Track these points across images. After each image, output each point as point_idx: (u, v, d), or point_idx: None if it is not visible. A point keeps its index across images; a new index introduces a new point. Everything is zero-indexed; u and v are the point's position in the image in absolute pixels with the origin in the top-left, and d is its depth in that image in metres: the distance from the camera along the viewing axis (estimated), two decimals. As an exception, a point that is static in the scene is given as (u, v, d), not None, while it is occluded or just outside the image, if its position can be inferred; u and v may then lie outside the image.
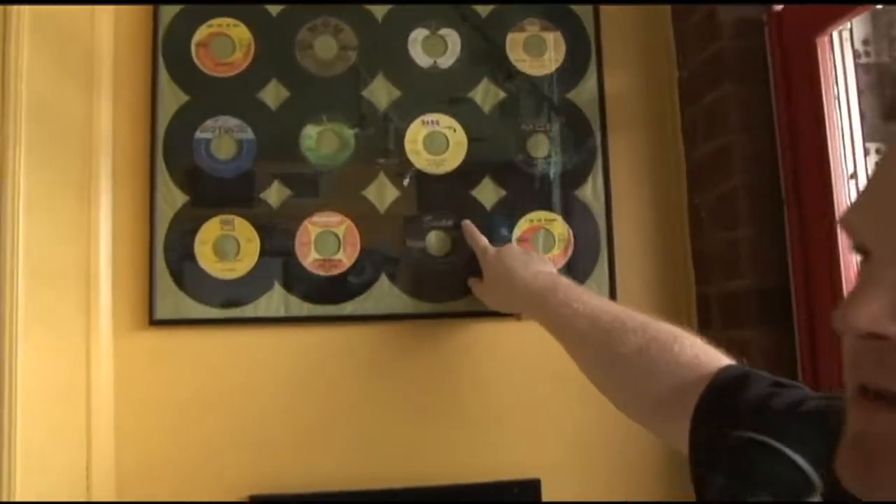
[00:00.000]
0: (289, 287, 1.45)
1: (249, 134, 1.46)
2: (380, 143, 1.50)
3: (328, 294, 1.46)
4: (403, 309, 1.47)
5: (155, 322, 1.40)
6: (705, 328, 1.48)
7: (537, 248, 1.50)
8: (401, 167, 1.50)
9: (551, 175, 1.55)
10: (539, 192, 1.54)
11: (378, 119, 1.50)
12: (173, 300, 1.41)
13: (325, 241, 1.48)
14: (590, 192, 1.57)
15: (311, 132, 1.48)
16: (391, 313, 1.46)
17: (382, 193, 1.50)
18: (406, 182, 1.49)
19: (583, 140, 1.56)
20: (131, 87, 1.44)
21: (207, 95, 1.45)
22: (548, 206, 1.54)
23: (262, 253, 1.44)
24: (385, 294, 1.47)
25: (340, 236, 1.47)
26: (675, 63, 1.56)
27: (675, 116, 1.57)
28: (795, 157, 1.35)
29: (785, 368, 1.30)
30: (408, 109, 1.50)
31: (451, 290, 1.49)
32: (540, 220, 1.53)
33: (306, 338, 1.44)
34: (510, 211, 1.51)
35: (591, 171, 1.56)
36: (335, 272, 1.47)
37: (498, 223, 1.51)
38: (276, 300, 1.45)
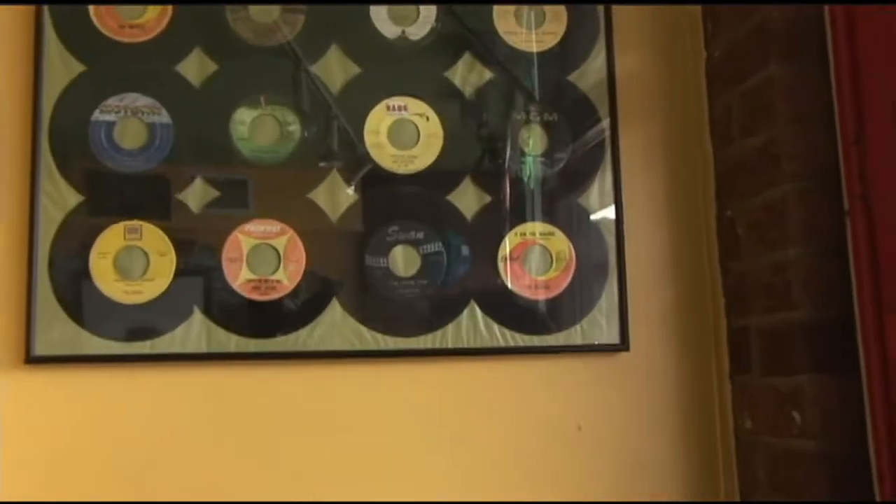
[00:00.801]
0: (213, 315, 1.25)
1: (165, 117, 1.27)
2: (332, 134, 1.31)
3: (264, 325, 1.27)
4: (360, 344, 1.27)
5: (34, 359, 1.20)
6: (741, 372, 1.31)
7: (529, 269, 1.33)
8: (359, 165, 1.32)
9: (549, 177, 1.37)
10: (533, 198, 1.36)
11: (330, 103, 1.31)
12: (60, 331, 1.21)
13: (261, 257, 1.28)
14: (596, 198, 1.38)
15: (243, 117, 1.29)
16: (344, 350, 1.27)
17: (335, 197, 1.31)
18: (358, 185, 1.31)
19: (588, 133, 1.38)
20: (8, 53, 1.25)
21: (109, 66, 1.27)
22: (544, 217, 1.36)
23: (179, 271, 1.25)
24: (336, 325, 1.27)
25: (280, 251, 1.28)
26: (702, 39, 1.40)
27: (703, 105, 1.40)
28: (863, 156, 1.16)
29: (849, 429, 1.13)
30: (368, 91, 1.32)
31: (420, 320, 1.30)
32: (534, 234, 1.35)
33: (234, 380, 1.25)
34: (497, 222, 1.34)
35: (597, 172, 1.38)
36: (273, 296, 1.27)
37: (479, 238, 1.32)
38: (195, 332, 1.24)
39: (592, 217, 1.38)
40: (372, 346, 1.28)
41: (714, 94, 1.40)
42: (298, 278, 1.28)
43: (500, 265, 1.35)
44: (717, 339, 1.38)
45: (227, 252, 1.27)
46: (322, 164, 1.29)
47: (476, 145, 1.36)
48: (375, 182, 1.32)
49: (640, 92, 1.42)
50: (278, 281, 1.28)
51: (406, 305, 1.30)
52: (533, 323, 1.33)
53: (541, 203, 1.37)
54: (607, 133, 1.38)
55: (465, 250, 1.31)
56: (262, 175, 1.30)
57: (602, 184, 1.39)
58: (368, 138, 1.33)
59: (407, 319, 1.31)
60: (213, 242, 1.28)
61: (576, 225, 1.38)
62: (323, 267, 1.30)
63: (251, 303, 1.27)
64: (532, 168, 1.37)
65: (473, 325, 1.32)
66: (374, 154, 1.34)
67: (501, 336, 1.33)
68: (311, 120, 1.31)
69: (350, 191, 1.30)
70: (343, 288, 1.30)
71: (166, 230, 1.26)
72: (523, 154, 1.37)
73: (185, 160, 1.28)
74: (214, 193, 1.28)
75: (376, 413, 1.29)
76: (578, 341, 1.34)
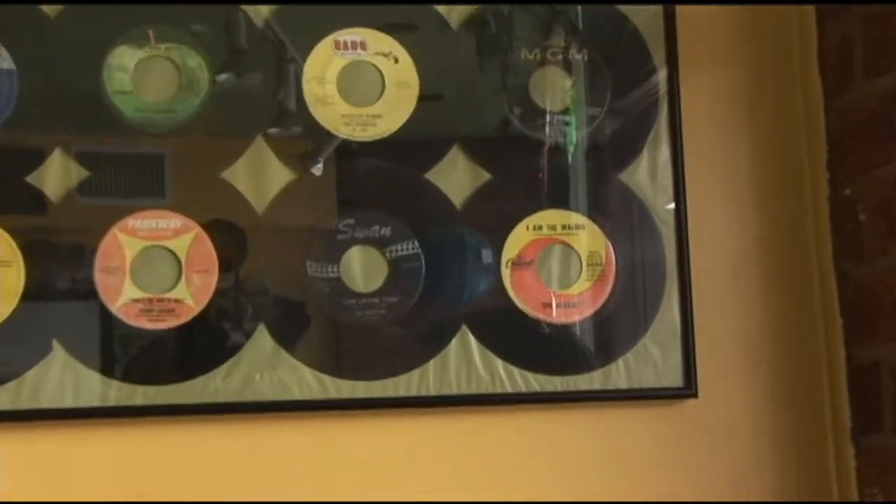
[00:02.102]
0: (82, 352, 1.06)
1: (5, 61, 1.09)
2: (288, 86, 1.14)
3: (158, 365, 1.10)
4: (300, 392, 1.09)
5: None
6: (869, 430, 1.18)
7: (547, 278, 1.15)
8: (297, 129, 1.14)
9: (575, 145, 1.20)
10: (552, 175, 1.19)
11: (254, 37, 1.14)
12: None
13: (153, 267, 1.09)
14: (646, 175, 1.20)
15: (123, 61, 1.11)
16: (276, 401, 1.09)
17: (262, 178, 1.13)
18: (310, 159, 1.13)
19: (635, 82, 1.23)
20: None
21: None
22: (567, 202, 1.19)
23: (30, 289, 1.06)
24: (265, 365, 1.09)
25: (181, 257, 1.09)
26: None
27: (809, 39, 1.27)
28: None
29: None
30: (309, 21, 1.14)
31: (388, 355, 1.13)
32: (553, 228, 1.17)
33: (114, 445, 1.08)
34: (498, 210, 1.18)
35: (647, 137, 1.20)
36: (171, 324, 1.08)
37: (472, 235, 1.16)
38: (55, 377, 1.06)
39: (642, 202, 1.20)
40: (317, 395, 1.09)
41: (825, 20, 1.25)
42: (208, 297, 1.09)
43: (504, 273, 1.15)
44: (833, 381, 1.24)
45: (102, 259, 1.08)
46: (273, 132, 1.12)
47: (468, 101, 1.19)
48: (308, 157, 1.13)
49: (712, 25, 1.27)
50: (178, 301, 1.09)
51: (367, 333, 1.13)
52: (553, 357, 1.15)
53: (564, 183, 1.19)
54: (663, 82, 1.21)
55: (486, 255, 1.14)
56: (153, 146, 1.13)
57: (654, 154, 1.20)
58: (308, 90, 1.12)
59: (369, 354, 1.15)
60: (82, 246, 1.09)
61: (617, 214, 1.20)
62: (245, 279, 1.12)
63: (138, 333, 1.09)
64: (551, 132, 1.19)
65: (466, 360, 1.12)
66: (317, 113, 1.12)
67: (506, 376, 1.13)
68: (226, 63, 1.11)
69: (316, 170, 1.12)
70: (275, 309, 1.12)
71: (10, 230, 1.07)
72: (538, 112, 1.18)
73: (36, 124, 1.10)
74: (82, 173, 1.08)
75: (323, 491, 1.10)
76: (621, 384, 1.14)
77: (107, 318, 1.07)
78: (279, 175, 1.12)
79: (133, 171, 1.11)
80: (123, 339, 1.09)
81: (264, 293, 1.11)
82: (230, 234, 1.11)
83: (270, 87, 1.12)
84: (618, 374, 1.15)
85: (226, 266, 1.10)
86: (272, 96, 1.12)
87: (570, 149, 1.19)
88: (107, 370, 1.06)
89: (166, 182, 1.11)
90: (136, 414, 1.06)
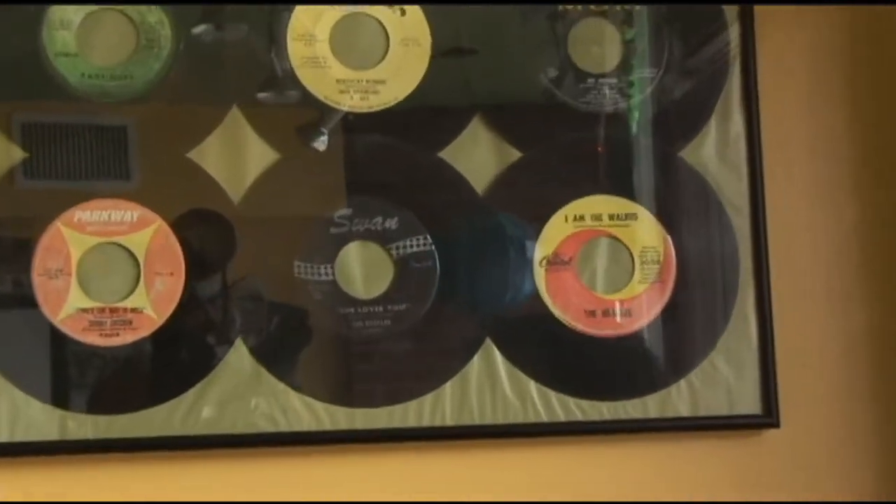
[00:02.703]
0: (18, 374, 0.95)
1: None
2: (242, 38, 1.02)
3: (112, 390, 0.99)
4: (286, 422, 0.98)
5: None
6: None
7: (592, 280, 1.04)
8: (294, 94, 1.02)
9: (630, 115, 1.09)
10: (596, 153, 1.08)
11: None
12: None
13: (104, 269, 0.97)
14: (712, 152, 1.08)
15: (66, 15, 0.99)
16: (258, 433, 0.97)
17: (238, 159, 1.02)
18: (313, 135, 1.02)
19: (700, 40, 1.12)
20: None
21: None
22: (616, 185, 1.07)
23: None
24: (243, 388, 0.98)
25: (139, 256, 0.98)
26: None
27: None
28: None
29: None
30: None
31: (395, 376, 1.02)
32: (597, 218, 1.06)
33: (59, 487, 0.97)
34: (530, 197, 1.07)
35: (714, 106, 1.08)
36: (127, 339, 0.97)
37: (505, 225, 1.05)
38: None
39: (708, 185, 1.10)
40: (308, 425, 0.99)
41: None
42: (173, 305, 0.99)
43: (538, 273, 1.04)
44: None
45: (42, 259, 0.98)
46: (263, 96, 1.03)
47: (492, 61, 1.08)
48: (310, 129, 1.05)
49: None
50: (136, 310, 0.99)
51: (368, 349, 1.03)
52: (598, 378, 1.05)
53: (613, 163, 1.09)
54: (735, 38, 1.11)
55: (529, 248, 1.04)
56: (105, 118, 1.03)
57: (724, 127, 1.10)
58: (295, 51, 1.02)
59: (370, 375, 1.05)
60: (16, 242, 1.01)
61: (677, 200, 1.10)
62: (218, 284, 1.02)
63: (87, 351, 0.99)
64: (597, 100, 1.08)
65: (491, 382, 1.02)
66: (304, 78, 1.02)
67: (541, 402, 1.03)
68: (217, 13, 1.02)
69: (319, 144, 1.03)
70: (255, 321, 1.02)
71: (-77, 220, 1.04)
72: (580, 76, 1.07)
73: (-40, 95, 1.05)
74: (15, 153, 0.99)
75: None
76: (684, 411, 1.04)
77: (48, 331, 0.96)
78: (259, 154, 1.02)
79: (78, 150, 1.00)
80: (68, 359, 0.99)
81: (242, 300, 1.01)
82: (199, 229, 1.00)
83: (261, 42, 1.02)
84: (680, 399, 1.04)
85: (194, 267, 0.99)
86: (264, 54, 1.02)
87: (620, 120, 1.08)
88: (49, 397, 0.96)
89: (131, 160, 1.00)
90: (84, 450, 0.96)
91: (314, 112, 1.04)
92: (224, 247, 1.02)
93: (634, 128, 1.08)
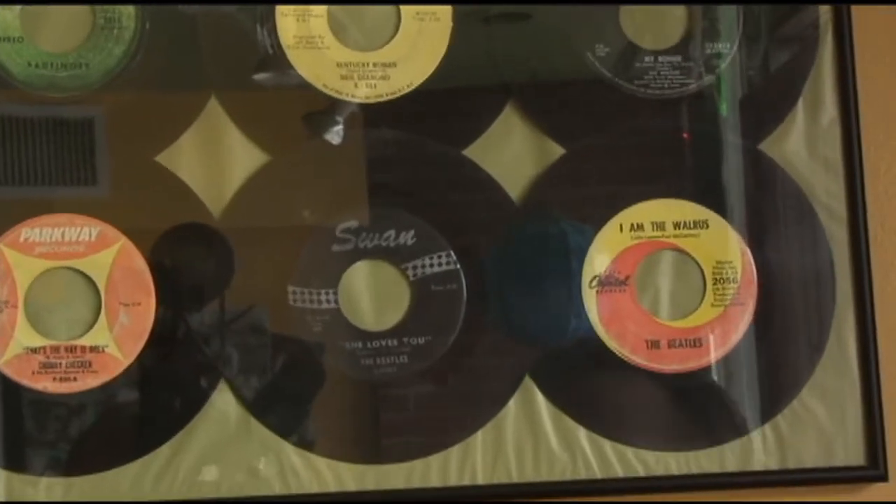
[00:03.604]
0: None
1: None
2: (210, 20, 0.90)
3: (66, 446, 0.87)
4: (279, 482, 0.87)
5: None
6: None
7: (653, 304, 0.92)
8: (295, 73, 0.89)
9: (694, 102, 0.96)
10: (659, 148, 0.95)
11: None
12: None
13: (57, 299, 0.87)
14: (800, 144, 0.94)
15: None
16: (242, 497, 0.86)
17: (215, 161, 0.90)
18: (317, 127, 0.90)
19: (784, 11, 0.99)
20: None
21: None
22: (681, 187, 0.95)
23: None
24: (227, 439, 0.87)
25: (99, 283, 0.86)
26: None
27: None
28: None
29: None
30: None
31: (415, 425, 0.91)
32: (660, 227, 0.94)
33: None
34: (576, 202, 0.94)
35: (801, 89, 0.95)
36: (88, 384, 0.86)
37: (546, 238, 0.94)
38: None
39: (795, 184, 0.97)
40: (307, 485, 0.87)
41: None
42: (141, 342, 0.87)
43: (588, 296, 0.92)
44: None
45: None
46: (260, 77, 0.91)
47: (529, 33, 0.95)
48: (321, 118, 0.92)
49: None
50: (97, 349, 0.87)
51: (380, 393, 0.91)
52: (663, 424, 0.92)
53: (680, 155, 0.97)
54: (825, 13, 0.99)
55: (577, 265, 0.93)
56: (56, 114, 0.91)
57: (813, 114, 0.96)
58: (284, 29, 0.90)
59: (382, 424, 0.93)
60: None
61: (757, 203, 0.96)
62: (195, 314, 0.91)
63: (37, 399, 0.88)
64: (657, 82, 0.95)
65: (532, 430, 0.89)
66: (298, 62, 0.89)
67: (593, 453, 0.89)
68: None
69: (333, 136, 0.91)
70: (240, 359, 0.89)
71: None
72: (636, 55, 0.95)
73: None
74: None
75: None
76: (769, 462, 0.90)
77: None
78: (243, 155, 0.88)
79: (26, 153, 0.88)
80: (15, 409, 0.86)
81: (224, 335, 0.88)
82: (171, 247, 0.87)
83: (246, 18, 0.90)
84: (764, 448, 0.90)
85: (166, 295, 0.86)
86: (250, 31, 0.89)
87: (684, 107, 0.93)
88: None
89: (98, 161, 0.88)
90: None
91: (316, 102, 0.89)
92: (202, 270, 0.89)
93: (702, 116, 0.94)
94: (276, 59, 0.90)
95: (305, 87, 0.89)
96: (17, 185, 0.87)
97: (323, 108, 0.90)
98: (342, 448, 0.86)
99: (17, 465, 0.83)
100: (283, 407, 0.88)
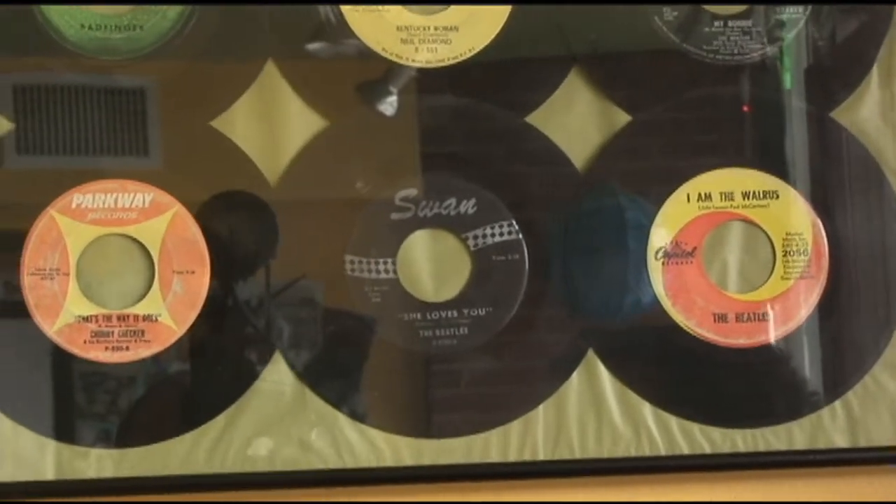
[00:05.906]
0: (7, 400, 0.82)
1: None
2: None
3: (117, 418, 0.85)
4: (335, 455, 0.85)
5: None
6: None
7: (722, 276, 0.90)
8: (354, 42, 0.86)
9: (765, 68, 0.92)
10: (725, 114, 0.92)
11: None
12: None
13: (109, 267, 0.84)
14: (874, 112, 0.92)
15: None
16: (298, 470, 0.84)
17: (272, 127, 0.87)
18: (380, 96, 0.88)
19: None
20: None
21: None
22: (750, 156, 0.91)
23: None
24: (283, 411, 0.85)
25: (153, 250, 0.83)
26: None
27: None
28: None
29: None
30: None
31: (469, 401, 0.88)
32: (729, 197, 0.91)
33: None
34: (643, 172, 0.91)
35: (876, 55, 0.92)
36: (140, 354, 0.83)
37: (611, 208, 0.91)
38: None
39: (869, 154, 0.93)
40: (363, 459, 0.85)
41: None
42: (196, 311, 0.84)
43: (654, 268, 0.89)
44: None
45: (33, 257, 0.84)
46: (313, 47, 0.88)
47: None
48: (375, 87, 0.89)
49: None
50: (150, 318, 0.84)
51: (438, 365, 0.88)
52: (730, 399, 0.89)
53: (749, 124, 0.93)
54: None
55: (643, 236, 0.91)
56: (108, 83, 0.88)
57: (889, 80, 0.92)
58: None
59: (440, 397, 0.90)
60: (13, 234, 0.86)
61: (829, 173, 0.92)
62: (249, 283, 0.87)
63: (89, 370, 0.85)
64: (727, 47, 0.92)
65: (595, 406, 0.87)
66: (357, 25, 0.86)
67: (658, 430, 0.87)
68: None
69: (386, 106, 0.89)
70: (296, 330, 0.86)
71: None
72: (703, 20, 0.92)
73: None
74: (3, 125, 0.85)
75: None
76: (839, 440, 0.88)
77: (41, 345, 0.81)
78: (301, 122, 0.85)
79: (78, 119, 0.85)
80: (66, 379, 0.83)
81: (279, 305, 0.85)
82: (226, 214, 0.84)
83: None
84: (834, 425, 0.86)
85: (222, 264, 0.83)
86: None
87: (755, 73, 0.90)
88: (42, 426, 0.81)
89: (150, 131, 0.85)
90: (87, 492, 0.81)
91: (376, 67, 0.87)
92: (259, 238, 0.87)
93: (773, 82, 0.90)
94: (334, 28, 0.87)
95: (364, 53, 0.86)
96: (67, 154, 0.86)
97: (378, 77, 0.87)
98: (400, 421, 0.85)
99: (67, 436, 0.81)
100: (337, 379, 0.87)
